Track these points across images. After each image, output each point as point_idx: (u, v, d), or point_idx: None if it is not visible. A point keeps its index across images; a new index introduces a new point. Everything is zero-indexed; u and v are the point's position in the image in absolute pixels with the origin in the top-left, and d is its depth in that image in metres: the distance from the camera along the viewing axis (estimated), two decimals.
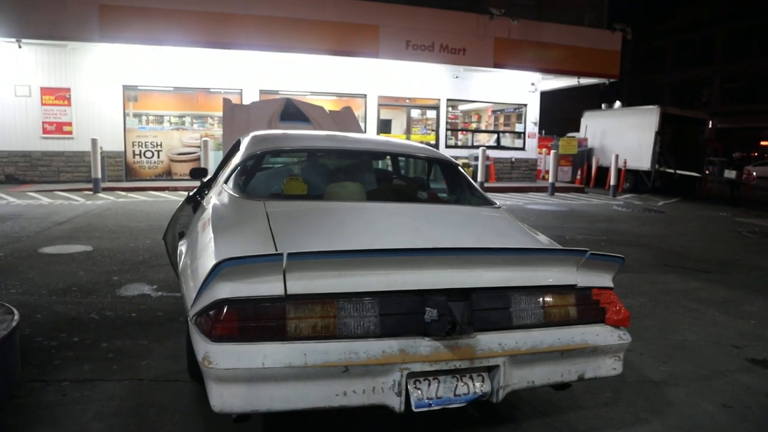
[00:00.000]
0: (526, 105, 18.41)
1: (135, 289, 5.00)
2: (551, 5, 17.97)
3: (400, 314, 2.13)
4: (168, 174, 14.93)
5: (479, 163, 14.71)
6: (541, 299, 2.34)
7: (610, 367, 2.47)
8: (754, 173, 22.48)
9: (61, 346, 3.60)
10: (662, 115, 17.58)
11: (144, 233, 7.67)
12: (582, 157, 19.52)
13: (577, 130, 21.56)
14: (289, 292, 2.02)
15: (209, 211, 3.01)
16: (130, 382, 3.14)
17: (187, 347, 2.66)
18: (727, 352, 4.12)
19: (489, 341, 2.19)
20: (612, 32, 17.51)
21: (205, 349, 1.99)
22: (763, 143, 36.95)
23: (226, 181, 3.28)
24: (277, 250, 2.24)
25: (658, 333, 4.44)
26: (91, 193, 12.24)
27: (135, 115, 14.83)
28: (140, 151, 14.73)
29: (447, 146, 17.59)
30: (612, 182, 16.43)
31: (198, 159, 14.22)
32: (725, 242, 9.43)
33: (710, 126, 19.26)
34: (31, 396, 2.92)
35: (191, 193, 3.98)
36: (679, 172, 17.66)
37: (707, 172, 18.46)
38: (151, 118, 15.16)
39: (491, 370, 2.22)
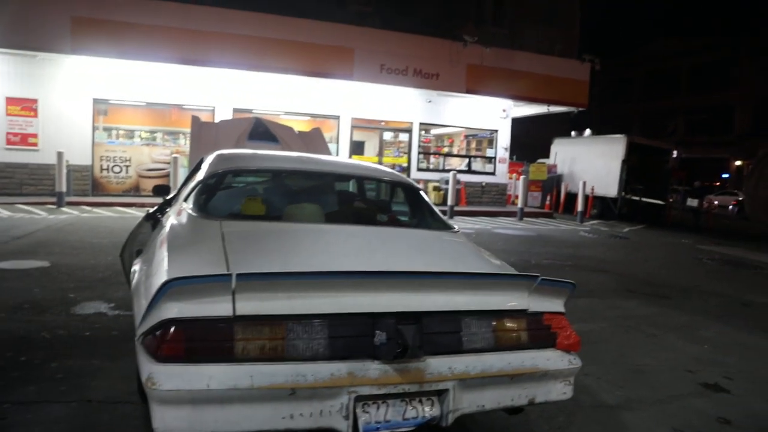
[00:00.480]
0: (497, 130, 18.72)
1: (91, 307, 4.87)
2: (523, 34, 18.44)
3: (349, 337, 2.12)
4: (136, 190, 14.70)
5: (450, 186, 14.83)
6: (492, 323, 2.36)
7: (560, 391, 2.49)
8: (716, 202, 23.23)
9: (6, 367, 3.47)
10: (629, 144, 18.07)
11: (106, 250, 7.51)
12: (551, 183, 19.87)
13: (548, 156, 21.98)
14: (238, 313, 2.00)
15: (166, 229, 2.97)
16: (78, 403, 3.04)
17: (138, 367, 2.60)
18: (682, 376, 4.20)
19: (439, 365, 2.19)
20: (581, 63, 18.00)
21: (150, 369, 1.95)
22: (724, 174, 38.25)
23: (185, 200, 3.26)
24: (229, 271, 2.22)
25: (617, 358, 4.50)
26: (54, 207, 11.96)
27: (105, 129, 14.62)
28: (108, 166, 14.49)
29: (419, 169, 17.74)
30: (579, 208, 16.73)
31: (168, 175, 14.04)
32: (687, 269, 9.66)
33: (674, 156, 19.85)
34: None
35: (151, 211, 3.93)
36: (644, 199, 18.09)
37: (671, 200, 18.94)
38: (121, 132, 14.95)
39: (441, 393, 2.22)
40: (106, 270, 6.30)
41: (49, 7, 12.57)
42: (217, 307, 2.00)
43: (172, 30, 13.32)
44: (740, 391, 3.96)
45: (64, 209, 11.84)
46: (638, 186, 18.06)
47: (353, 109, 16.63)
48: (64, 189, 12.25)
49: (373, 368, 2.10)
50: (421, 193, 3.82)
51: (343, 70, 14.98)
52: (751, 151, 35.16)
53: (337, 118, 16.54)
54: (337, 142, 16.44)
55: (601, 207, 18.59)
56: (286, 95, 15.63)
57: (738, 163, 37.30)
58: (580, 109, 18.53)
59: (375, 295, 2.17)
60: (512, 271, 2.81)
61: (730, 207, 29.35)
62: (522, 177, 16.74)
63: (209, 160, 3.71)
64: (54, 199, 12.20)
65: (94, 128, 14.25)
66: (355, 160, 4.90)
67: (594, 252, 10.69)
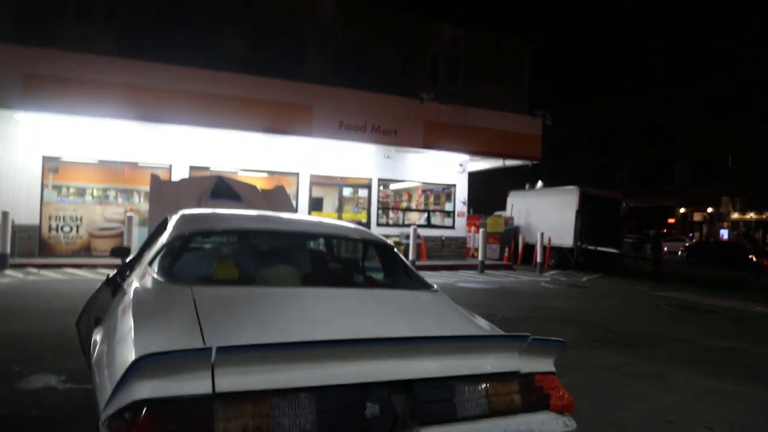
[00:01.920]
0: (455, 185, 19.03)
1: (39, 380, 4.49)
2: (477, 92, 19.08)
3: (339, 410, 1.97)
4: (87, 250, 14.09)
5: (410, 241, 14.87)
6: (484, 388, 2.26)
7: None
8: (665, 248, 24.11)
9: None
10: (582, 194, 18.66)
11: (54, 315, 7.06)
12: (509, 235, 20.17)
13: (504, 208, 22.40)
14: (218, 390, 1.83)
15: (130, 295, 2.78)
16: None
17: None
18: (661, 428, 4.15)
19: None
20: (533, 118, 18.66)
21: None
22: (670, 220, 40.12)
23: (150, 263, 3.07)
24: (205, 342, 2.06)
25: (595, 411, 4.43)
26: None
27: (54, 187, 14.09)
28: (57, 225, 13.90)
29: (378, 225, 17.73)
30: (538, 259, 16.98)
31: (121, 234, 13.59)
32: (647, 315, 9.82)
33: (624, 205, 20.60)
34: None
35: (111, 275, 3.70)
36: (599, 248, 18.54)
37: (635, 245, 19.50)
38: (72, 190, 14.42)
39: None
40: (55, 337, 5.89)
41: (0, 62, 12.27)
42: (195, 384, 1.82)
43: (127, 87, 13.13)
44: None
45: (8, 272, 11.19)
46: (591, 235, 18.48)
47: (312, 166, 16.65)
48: (8, 250, 11.62)
49: None
50: (395, 250, 3.74)
51: (302, 127, 15.03)
52: (692, 200, 37.25)
53: (296, 174, 16.50)
54: (297, 199, 16.33)
55: (558, 257, 18.93)
56: (244, 152, 15.54)
57: (682, 210, 39.16)
58: (534, 162, 19.08)
59: (364, 364, 2.04)
60: (500, 331, 2.73)
61: (679, 252, 30.53)
62: (480, 230, 16.95)
63: (174, 220, 3.55)
64: None
65: (43, 186, 13.73)
66: (325, 218, 4.80)
67: (556, 302, 10.77)
